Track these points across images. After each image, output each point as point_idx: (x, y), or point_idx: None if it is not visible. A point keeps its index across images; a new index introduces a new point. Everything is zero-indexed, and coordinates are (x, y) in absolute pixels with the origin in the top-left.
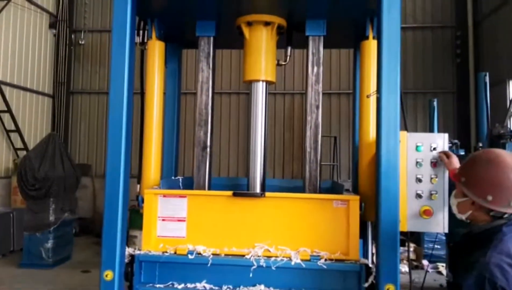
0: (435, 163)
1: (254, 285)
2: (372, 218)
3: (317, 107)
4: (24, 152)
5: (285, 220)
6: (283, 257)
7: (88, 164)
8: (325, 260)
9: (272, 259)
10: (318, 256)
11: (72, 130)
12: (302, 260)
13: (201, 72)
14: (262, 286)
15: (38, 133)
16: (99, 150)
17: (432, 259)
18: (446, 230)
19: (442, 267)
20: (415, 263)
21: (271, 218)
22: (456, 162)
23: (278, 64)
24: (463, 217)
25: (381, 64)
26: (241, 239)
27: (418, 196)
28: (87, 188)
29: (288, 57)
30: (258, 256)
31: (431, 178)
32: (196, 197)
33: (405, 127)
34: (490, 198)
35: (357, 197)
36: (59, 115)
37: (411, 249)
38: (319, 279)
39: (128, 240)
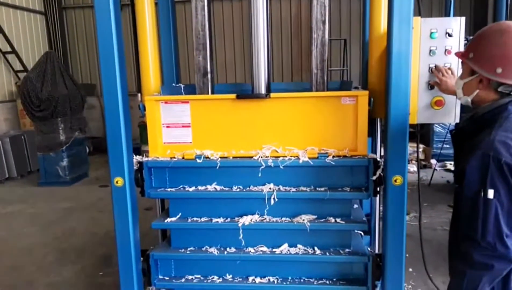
0: (449, 51)
1: (263, 184)
2: (382, 114)
3: (324, 23)
4: (25, 74)
5: (292, 121)
6: (291, 156)
7: (93, 84)
8: (333, 157)
9: (280, 159)
10: (326, 153)
11: (70, 49)
12: (309, 158)
13: None
14: (272, 185)
15: (36, 54)
16: None
17: (440, 158)
18: (458, 120)
19: (450, 165)
20: (423, 163)
21: (278, 119)
22: (451, 84)
23: None
24: (468, 99)
25: None
26: (248, 142)
27: (430, 86)
28: (95, 108)
29: None
30: (266, 157)
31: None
32: (199, 102)
33: (418, 12)
34: (499, 70)
35: (366, 92)
36: (55, 33)
37: (420, 149)
38: (327, 176)
39: (142, 156)
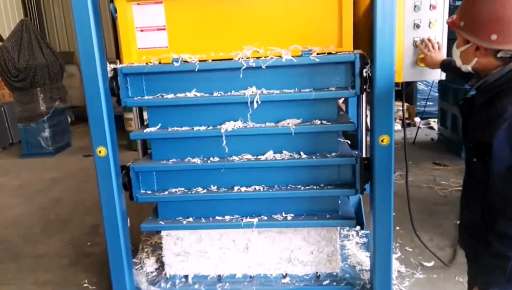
0: (434, 6)
1: (245, 89)
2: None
3: None
4: (1, 44)
5: (274, 18)
6: (273, 56)
7: (71, 51)
8: (317, 54)
9: (262, 58)
10: (310, 50)
11: (46, 16)
12: (293, 56)
13: None
14: (254, 88)
15: (11, 22)
16: None
17: (424, 116)
18: (443, 77)
19: (433, 122)
20: (407, 121)
21: (258, 17)
22: (435, 59)
23: None
24: (468, 67)
25: None
26: (227, 43)
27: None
28: (75, 76)
29: None
30: (247, 58)
31: (430, 23)
32: (173, 1)
33: None
34: (494, 37)
35: None
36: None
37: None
38: (311, 76)
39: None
